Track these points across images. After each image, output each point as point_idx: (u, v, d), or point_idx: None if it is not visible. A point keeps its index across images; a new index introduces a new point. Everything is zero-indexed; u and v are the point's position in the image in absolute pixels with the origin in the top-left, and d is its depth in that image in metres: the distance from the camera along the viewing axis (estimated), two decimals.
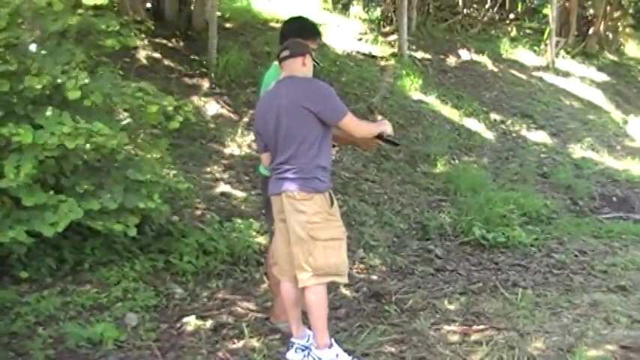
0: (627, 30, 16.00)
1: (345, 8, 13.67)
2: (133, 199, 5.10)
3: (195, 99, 8.31)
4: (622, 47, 16.06)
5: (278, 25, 10.42)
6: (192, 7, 10.22)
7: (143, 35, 8.84)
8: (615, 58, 15.51)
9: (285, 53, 4.20)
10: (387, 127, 4.30)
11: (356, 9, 13.90)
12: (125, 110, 5.56)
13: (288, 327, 4.42)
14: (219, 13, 10.15)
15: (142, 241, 5.56)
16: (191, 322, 4.82)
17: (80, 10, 5.72)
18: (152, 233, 5.69)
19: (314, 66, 4.28)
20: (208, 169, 7.28)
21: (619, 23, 15.82)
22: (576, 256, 6.67)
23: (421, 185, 8.28)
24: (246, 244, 5.91)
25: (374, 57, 11.62)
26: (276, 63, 4.57)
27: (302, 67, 4.19)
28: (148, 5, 10.23)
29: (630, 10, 16.09)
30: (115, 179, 5.17)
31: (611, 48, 15.70)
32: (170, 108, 5.48)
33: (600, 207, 8.73)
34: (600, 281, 5.96)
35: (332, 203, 4.11)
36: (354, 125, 4.13)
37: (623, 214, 8.51)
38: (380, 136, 4.28)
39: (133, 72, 7.77)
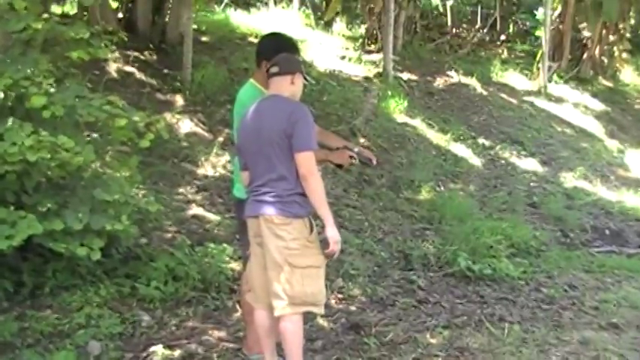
0: (623, 55, 16.24)
1: (328, 25, 13.81)
2: (100, 220, 5.11)
3: (168, 115, 8.34)
4: (617, 73, 16.29)
5: (257, 41, 10.51)
6: (167, 19, 10.27)
7: (114, 47, 8.81)
8: (610, 84, 15.75)
9: (274, 70, 4.25)
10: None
11: (339, 26, 14.05)
12: (92, 124, 5.56)
13: (261, 359, 4.44)
14: (195, 26, 10.23)
15: (107, 264, 5.56)
16: (158, 351, 4.82)
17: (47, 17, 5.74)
18: (119, 256, 5.69)
19: (304, 85, 4.35)
20: (180, 190, 7.30)
21: (615, 48, 16.05)
22: (566, 290, 6.74)
23: (404, 212, 8.34)
24: (218, 269, 5.92)
25: (357, 77, 11.73)
26: (251, 80, 4.64)
27: (290, 86, 4.24)
28: (120, 15, 10.27)
29: (627, 35, 16.34)
30: (81, 198, 5.17)
31: (606, 74, 15.93)
32: (141, 124, 5.51)
33: (592, 240, 8.81)
34: (591, 318, 6.03)
35: (311, 229, 4.15)
36: (308, 168, 4.05)
37: (616, 247, 8.60)
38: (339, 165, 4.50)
39: (102, 85, 7.79)
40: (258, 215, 4.14)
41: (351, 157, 4.57)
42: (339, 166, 4.78)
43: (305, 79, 4.34)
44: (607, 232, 9.04)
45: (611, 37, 15.87)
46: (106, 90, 7.37)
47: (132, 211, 5.51)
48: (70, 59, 5.77)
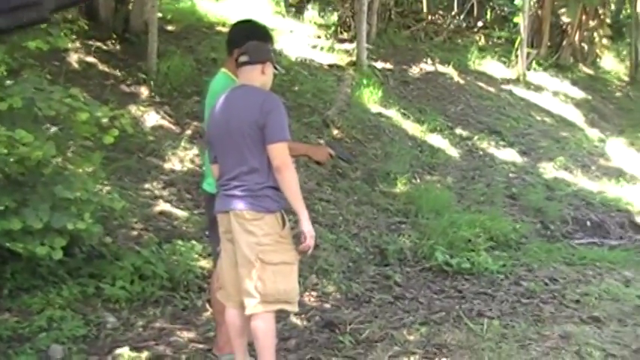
0: (604, 41, 16.41)
1: (299, 12, 13.81)
2: (61, 219, 5.07)
3: (132, 108, 8.31)
4: (598, 60, 16.47)
5: (225, 29, 10.47)
6: (130, 7, 10.21)
7: (75, 36, 8.81)
8: (591, 72, 15.90)
9: (244, 59, 4.23)
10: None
11: (311, 13, 14.05)
12: (52, 118, 5.52)
13: (232, 359, 4.44)
14: (160, 15, 10.17)
15: (70, 264, 5.53)
16: (124, 353, 4.79)
17: None
18: (82, 256, 5.66)
19: (274, 74, 4.35)
20: (147, 186, 7.27)
21: (595, 34, 16.21)
22: (546, 284, 6.80)
23: (380, 206, 8.37)
24: (187, 268, 5.91)
25: (330, 66, 11.74)
26: (224, 70, 4.61)
27: (261, 76, 4.23)
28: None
29: (607, 20, 16.49)
30: (41, 196, 5.13)
31: (587, 60, 16.09)
32: (105, 119, 5.48)
33: (573, 232, 8.91)
34: (572, 312, 6.08)
35: (284, 225, 4.14)
36: (282, 159, 4.05)
37: (597, 239, 8.71)
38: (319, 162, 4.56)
39: (62, 77, 7.73)
40: (228, 210, 4.13)
41: (330, 155, 4.63)
42: (319, 162, 4.80)
43: (275, 68, 4.34)
44: (588, 223, 9.14)
45: (591, 23, 16.01)
46: (67, 82, 7.33)
47: (95, 209, 5.48)
48: (28, 49, 5.72)
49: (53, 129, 5.61)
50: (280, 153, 4.05)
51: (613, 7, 17.03)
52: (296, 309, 4.37)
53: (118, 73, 8.97)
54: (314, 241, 4.13)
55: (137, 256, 5.81)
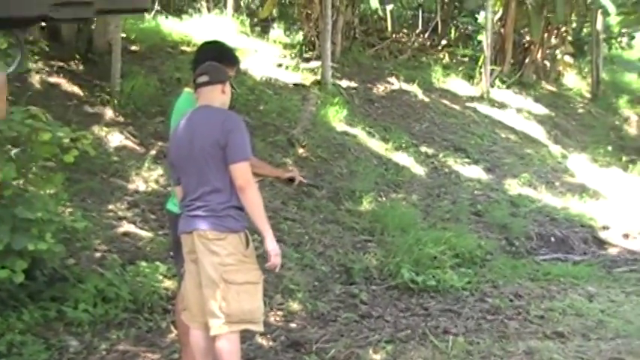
0: (566, 59, 16.64)
1: (265, 31, 13.83)
2: (22, 240, 5.02)
3: (96, 129, 8.26)
4: (560, 77, 16.68)
5: (190, 49, 10.50)
6: (93, 27, 10.16)
7: (37, 57, 8.75)
8: (553, 89, 16.10)
9: (204, 79, 4.24)
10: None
11: (276, 32, 14.08)
12: (13, 139, 5.48)
13: None
14: (123, 35, 10.14)
15: (31, 287, 5.46)
16: None
17: None
18: (44, 278, 5.59)
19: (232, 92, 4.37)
20: (110, 207, 7.22)
21: (557, 51, 16.44)
22: (511, 300, 6.87)
23: (345, 224, 8.39)
24: (151, 289, 5.87)
25: (295, 85, 11.77)
26: (188, 89, 4.63)
27: (221, 95, 4.25)
28: (43, 24, 10.13)
29: (569, 38, 16.73)
30: (1, 217, 5.08)
31: (549, 78, 16.29)
32: (66, 139, 5.45)
33: (537, 247, 9.00)
34: (537, 327, 6.15)
35: (247, 244, 4.15)
36: (245, 178, 4.07)
37: (561, 255, 8.80)
38: (291, 179, 4.69)
39: (24, 98, 7.66)
40: (191, 231, 4.13)
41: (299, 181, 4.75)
42: (291, 180, 4.84)
43: (232, 86, 4.37)
44: (552, 239, 9.24)
45: (553, 41, 16.24)
46: (29, 103, 7.25)
47: (57, 230, 5.43)
48: None
49: (14, 150, 5.56)
50: (242, 173, 4.07)
51: (574, 24, 17.27)
52: (261, 329, 4.38)
53: (81, 93, 8.92)
54: (280, 259, 4.14)
55: (100, 278, 5.76)
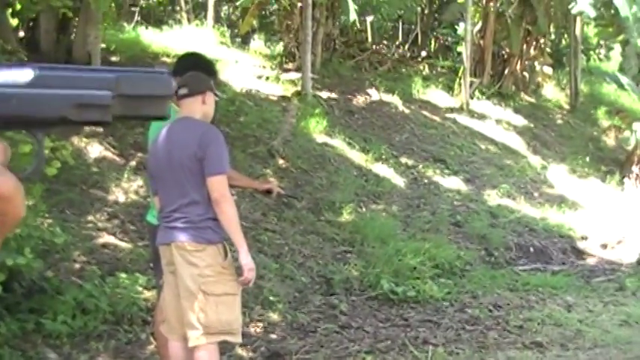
0: (545, 70, 16.76)
1: (245, 42, 13.86)
2: (0, 255, 5.00)
3: (75, 139, 8.23)
4: (539, 88, 16.79)
5: (170, 60, 10.50)
6: (73, 37, 10.15)
7: None
8: (532, 100, 16.21)
9: (183, 91, 4.24)
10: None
11: (256, 44, 14.13)
12: None
13: None
14: (103, 45, 10.14)
15: (8, 299, 5.42)
16: None
17: None
18: (22, 290, 5.56)
19: (215, 101, 4.38)
20: (90, 218, 7.20)
21: (536, 62, 16.56)
22: (491, 310, 6.91)
23: (325, 235, 8.41)
24: (131, 301, 5.85)
25: (276, 96, 11.80)
26: None
27: (202, 106, 4.25)
28: (21, 34, 10.10)
29: (548, 49, 16.87)
30: None
31: (528, 89, 16.40)
32: (45, 150, 5.43)
33: (516, 258, 9.06)
34: (515, 337, 6.19)
35: (226, 255, 4.16)
36: (221, 192, 4.09)
37: (540, 265, 8.87)
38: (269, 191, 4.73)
39: None
40: (170, 242, 4.13)
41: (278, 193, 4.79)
42: (269, 191, 4.86)
43: (216, 95, 4.37)
44: (531, 249, 9.30)
45: (532, 52, 16.36)
46: None
47: (36, 244, 5.41)
48: None
49: None
50: (218, 186, 4.08)
51: (553, 36, 17.41)
52: (239, 340, 4.38)
53: None
54: (254, 274, 4.15)
55: (79, 289, 5.74)
